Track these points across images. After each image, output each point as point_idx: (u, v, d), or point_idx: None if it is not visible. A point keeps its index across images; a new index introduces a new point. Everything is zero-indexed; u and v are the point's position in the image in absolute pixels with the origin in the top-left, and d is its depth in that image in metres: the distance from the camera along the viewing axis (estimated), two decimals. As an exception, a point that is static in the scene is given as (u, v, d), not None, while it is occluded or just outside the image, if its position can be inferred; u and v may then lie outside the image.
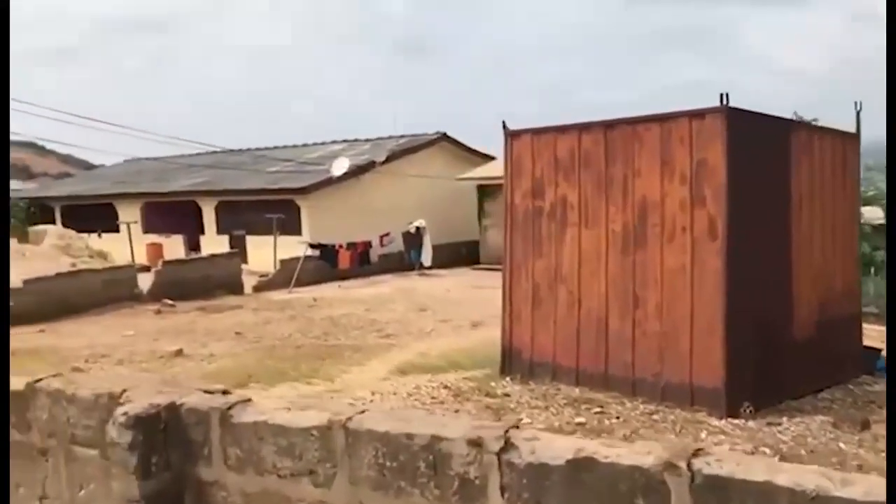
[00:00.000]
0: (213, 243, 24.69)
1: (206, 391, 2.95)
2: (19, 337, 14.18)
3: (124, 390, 3.53)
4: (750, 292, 7.07)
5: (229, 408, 2.76)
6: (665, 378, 7.18)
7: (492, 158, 28.10)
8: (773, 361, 7.01)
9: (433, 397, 7.74)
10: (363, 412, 2.64)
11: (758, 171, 7.27)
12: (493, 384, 8.04)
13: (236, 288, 19.30)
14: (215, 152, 29.85)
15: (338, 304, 17.53)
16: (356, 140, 29.09)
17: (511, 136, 8.43)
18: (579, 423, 6.42)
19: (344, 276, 21.66)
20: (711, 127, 6.98)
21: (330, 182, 22.72)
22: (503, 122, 8.53)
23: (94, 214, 27.76)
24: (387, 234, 22.94)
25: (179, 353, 12.37)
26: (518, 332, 8.34)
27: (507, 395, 7.59)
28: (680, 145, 7.14)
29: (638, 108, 65.48)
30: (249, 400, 2.84)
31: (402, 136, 27.24)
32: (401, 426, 2.48)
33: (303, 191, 22.44)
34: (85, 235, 24.54)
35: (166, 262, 18.06)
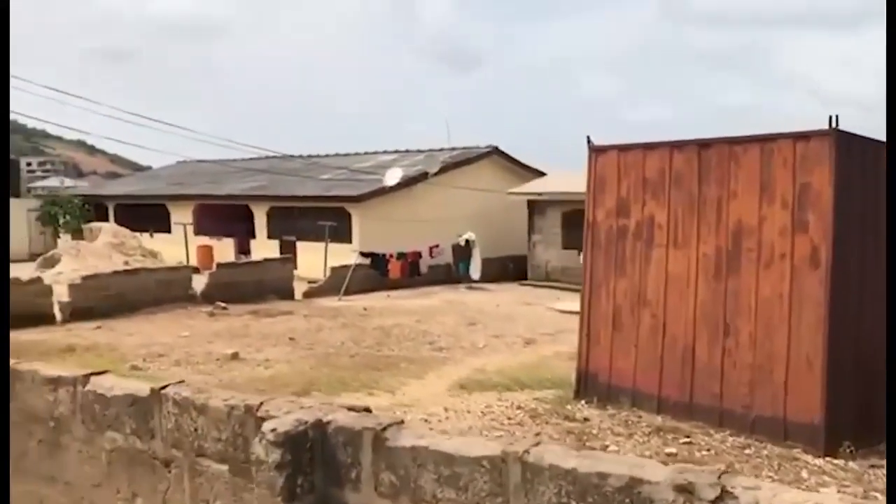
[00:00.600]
0: (264, 247, 24.76)
1: (350, 409, 2.74)
2: (77, 333, 14.29)
3: (261, 403, 3.34)
4: (852, 324, 6.71)
5: (383, 429, 2.55)
6: (756, 411, 6.82)
7: (542, 174, 27.87)
8: (874, 398, 6.62)
9: (509, 418, 7.46)
10: (538, 444, 2.40)
11: (863, 196, 6.92)
12: (568, 407, 7.74)
13: (287, 293, 19.27)
14: (269, 157, 30.07)
15: (388, 314, 17.38)
16: (407, 151, 29.05)
17: (595, 151, 8.17)
18: (669, 454, 6.11)
19: (393, 286, 21.53)
20: (818, 150, 6.66)
21: (383, 191, 22.66)
22: (587, 138, 8.26)
23: (146, 214, 28.10)
24: (436, 246, 22.79)
25: (235, 356, 12.30)
26: (595, 355, 8.04)
27: (586, 419, 7.29)
28: (782, 168, 6.82)
29: (681, 128, 64.71)
30: (402, 421, 2.61)
31: (453, 149, 27.12)
32: (590, 464, 2.25)
33: (356, 199, 22.41)
34: (138, 235, 24.79)
35: (220, 265, 18.09)
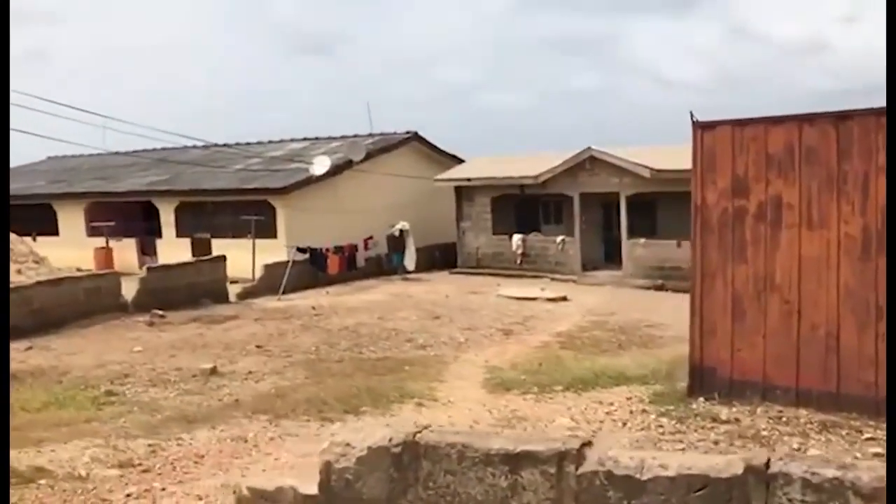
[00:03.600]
0: (172, 247, 22.76)
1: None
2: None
3: (584, 444, 2.64)
4: None
5: None
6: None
7: (460, 160, 27.36)
8: None
9: (644, 425, 6.75)
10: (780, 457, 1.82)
11: None
12: (693, 406, 7.17)
13: (221, 296, 17.73)
14: (162, 149, 27.73)
15: (343, 313, 16.33)
16: (318, 138, 27.66)
17: (702, 128, 7.60)
18: (876, 454, 5.63)
19: (328, 282, 20.36)
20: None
21: (309, 181, 21.33)
22: (691, 113, 7.66)
23: (27, 216, 25.09)
24: (370, 238, 21.82)
25: (214, 371, 11.00)
26: (712, 347, 7.52)
27: (737, 419, 6.75)
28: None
29: (539, 112, 66.25)
30: None
31: (369, 135, 26.05)
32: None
33: (280, 191, 20.97)
34: (27, 239, 22.08)
35: (151, 269, 16.31)
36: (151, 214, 23.93)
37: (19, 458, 6.04)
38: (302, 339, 13.57)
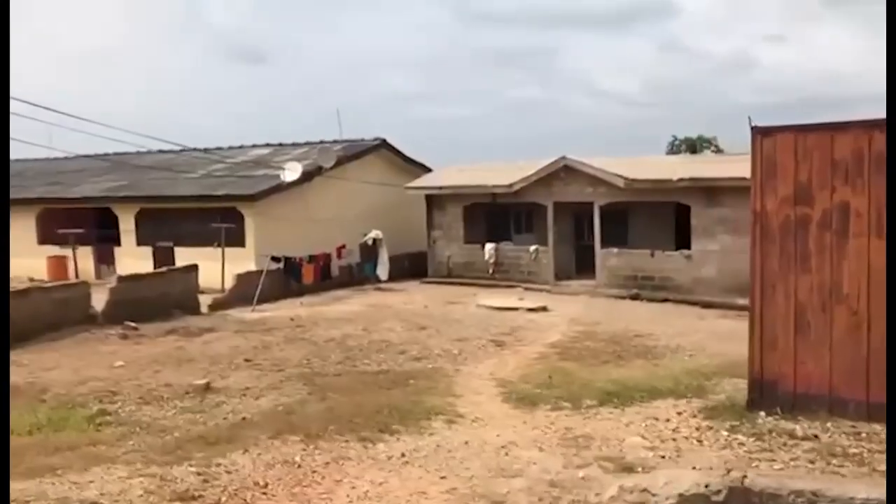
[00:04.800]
0: (133, 256, 21.81)
1: None
2: (-22, 373, 11.44)
3: None
4: None
5: None
6: None
7: (428, 169, 27.03)
8: None
9: (724, 443, 6.47)
10: None
11: None
12: (759, 421, 6.92)
13: (193, 307, 16.96)
14: (116, 154, 26.61)
15: (325, 325, 15.79)
16: (281, 144, 26.98)
17: (762, 133, 7.42)
18: None
19: (300, 292, 19.74)
20: None
21: (279, 188, 20.68)
22: (749, 118, 7.51)
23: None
24: (343, 247, 21.28)
25: (208, 387, 10.40)
26: (773, 361, 7.32)
27: (815, 436, 6.56)
28: None
29: (481, 122, 66.84)
30: None
31: (335, 142, 25.50)
32: None
33: (250, 198, 20.25)
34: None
35: (122, 279, 15.45)
36: (108, 222, 22.85)
37: (62, 491, 5.43)
38: (289, 352, 13.01)
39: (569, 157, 21.54)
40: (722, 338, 14.93)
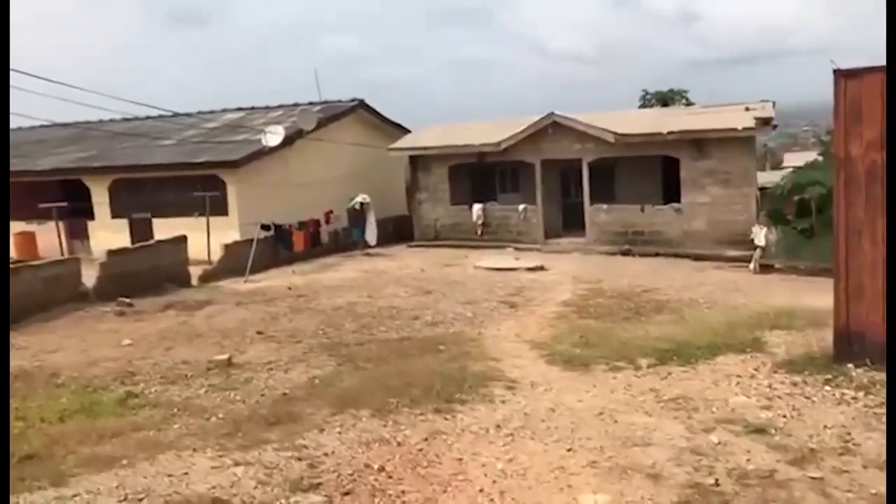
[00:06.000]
0: (108, 229, 20.88)
1: None
2: (-23, 358, 10.72)
3: None
4: None
5: None
6: None
7: (406, 130, 26.37)
8: None
9: (837, 399, 6.20)
10: None
11: None
12: (853, 374, 6.63)
13: (184, 280, 16.30)
14: (77, 123, 25.38)
15: (325, 293, 15.31)
16: (254, 108, 26.04)
17: (845, 76, 7.11)
18: None
19: (289, 260, 19.15)
20: None
21: (262, 154, 19.91)
22: (831, 61, 7.20)
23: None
24: (331, 212, 20.68)
25: (230, 363, 9.91)
26: (859, 310, 7.11)
27: None
28: None
29: (426, 82, 66.00)
30: None
31: (311, 103, 24.65)
32: None
33: (232, 164, 19.44)
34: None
35: (112, 252, 14.68)
36: (78, 194, 21.78)
37: (164, 486, 4.94)
38: (300, 323, 12.55)
39: (557, 114, 21.18)
40: (728, 290, 14.94)
